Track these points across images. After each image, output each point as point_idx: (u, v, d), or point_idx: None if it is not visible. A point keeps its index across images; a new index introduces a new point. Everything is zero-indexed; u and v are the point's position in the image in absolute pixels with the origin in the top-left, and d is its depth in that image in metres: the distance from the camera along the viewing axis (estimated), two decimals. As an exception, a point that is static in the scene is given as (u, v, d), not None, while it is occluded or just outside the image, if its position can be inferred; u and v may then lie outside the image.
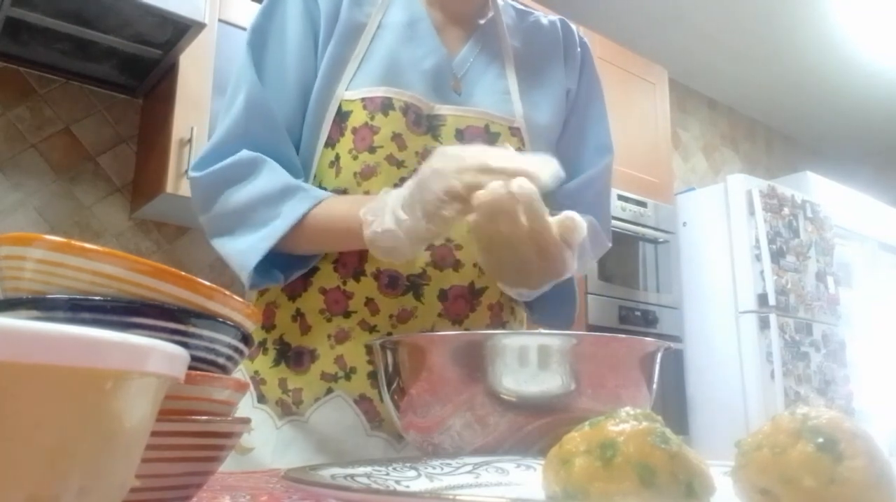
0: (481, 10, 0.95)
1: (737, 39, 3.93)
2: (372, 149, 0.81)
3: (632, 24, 3.70)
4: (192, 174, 0.82)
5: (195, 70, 2.13)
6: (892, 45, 3.97)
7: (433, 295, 0.81)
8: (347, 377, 0.81)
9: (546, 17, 1.00)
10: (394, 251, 0.69)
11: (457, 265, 0.82)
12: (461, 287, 0.82)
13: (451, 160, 0.66)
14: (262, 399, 0.84)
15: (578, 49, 0.99)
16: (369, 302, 0.81)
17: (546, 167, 0.65)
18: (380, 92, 0.82)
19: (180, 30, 1.97)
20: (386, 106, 0.82)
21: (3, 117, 2.14)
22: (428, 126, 0.84)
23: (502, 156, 0.66)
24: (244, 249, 0.78)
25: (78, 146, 2.26)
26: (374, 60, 0.85)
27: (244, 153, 0.80)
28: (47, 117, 2.22)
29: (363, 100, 0.82)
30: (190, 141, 2.04)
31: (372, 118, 0.81)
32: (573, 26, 1.02)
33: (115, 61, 2.15)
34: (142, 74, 2.21)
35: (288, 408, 0.82)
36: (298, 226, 0.76)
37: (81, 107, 2.28)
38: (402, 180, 0.81)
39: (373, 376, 0.81)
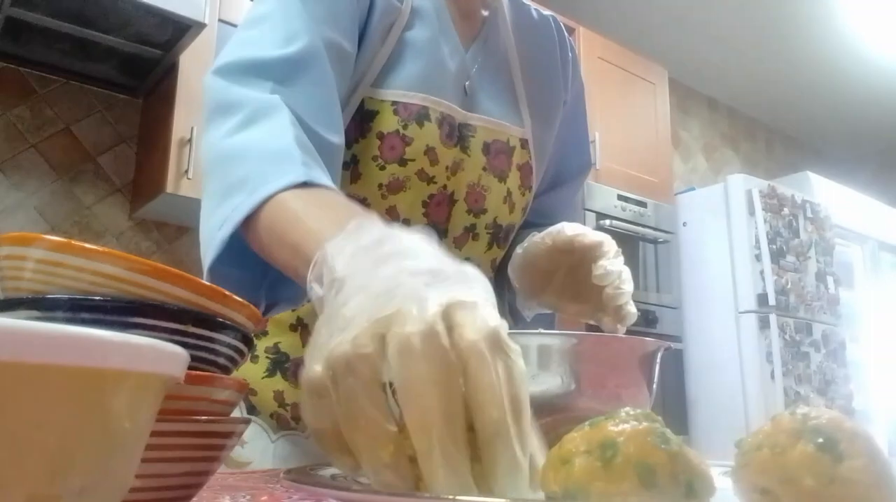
0: (485, 1, 0.87)
1: (737, 39, 3.93)
2: (402, 162, 0.73)
3: (632, 24, 3.70)
4: (211, 76, 0.68)
5: (195, 70, 2.13)
6: (892, 46, 3.96)
7: None
8: None
9: (536, 10, 0.94)
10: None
11: None
12: None
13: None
14: (252, 410, 0.77)
15: (570, 53, 0.94)
16: None
17: None
18: (416, 99, 0.74)
19: (180, 30, 1.97)
20: (422, 116, 0.74)
21: (3, 117, 2.14)
22: (458, 137, 0.78)
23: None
24: (207, 232, 0.61)
25: (78, 146, 2.26)
26: (407, 56, 0.75)
27: (269, 96, 0.64)
28: (47, 117, 2.22)
29: (394, 104, 0.74)
30: (190, 141, 2.04)
31: (405, 127, 0.73)
32: (562, 24, 0.96)
33: (115, 61, 2.15)
34: (142, 74, 2.21)
35: (285, 423, 0.77)
36: (266, 212, 0.56)
37: (81, 107, 2.28)
38: (431, 197, 0.76)
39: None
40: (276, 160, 0.59)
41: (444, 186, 0.77)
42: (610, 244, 0.69)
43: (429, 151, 0.75)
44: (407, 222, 0.75)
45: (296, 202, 0.56)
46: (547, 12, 0.95)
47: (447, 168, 0.77)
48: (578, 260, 0.73)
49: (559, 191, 0.94)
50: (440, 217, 0.77)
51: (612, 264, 0.67)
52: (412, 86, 0.75)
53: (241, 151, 0.61)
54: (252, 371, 0.77)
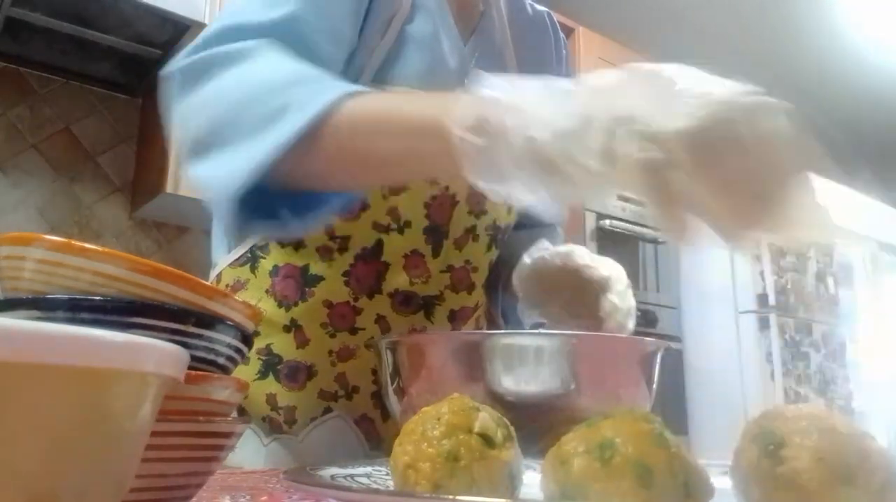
0: None
1: (736, 40, 3.93)
2: None
3: (632, 24, 3.70)
4: (175, 65, 0.62)
5: (195, 70, 2.12)
6: (892, 46, 3.96)
7: (443, 315, 0.79)
8: (349, 396, 0.76)
9: (529, 4, 0.91)
10: (544, 169, 0.43)
11: (471, 288, 0.80)
12: (470, 308, 0.81)
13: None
14: (242, 413, 0.74)
15: (564, 51, 0.94)
16: (380, 319, 0.76)
17: None
18: None
19: (180, 30, 1.97)
20: None
21: (3, 117, 2.14)
22: None
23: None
24: (226, 172, 0.54)
25: (78, 146, 2.26)
26: (408, 52, 0.74)
27: (258, 41, 0.59)
28: (47, 117, 2.22)
29: None
30: (190, 141, 2.04)
31: None
32: (556, 19, 0.94)
33: (115, 61, 2.15)
34: (142, 74, 2.21)
35: (277, 427, 0.75)
36: (325, 125, 0.52)
37: (81, 107, 2.28)
38: (434, 198, 0.74)
39: (376, 396, 0.76)
40: (308, 80, 0.54)
41: (447, 188, 0.75)
42: (619, 278, 0.69)
43: None
44: (408, 224, 0.75)
45: (375, 99, 0.53)
46: (541, 8, 0.93)
47: None
48: (586, 284, 0.72)
49: None
50: (442, 218, 0.76)
51: (622, 300, 0.67)
52: (413, 83, 0.72)
53: (255, 85, 0.56)
54: (243, 373, 0.74)
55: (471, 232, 0.79)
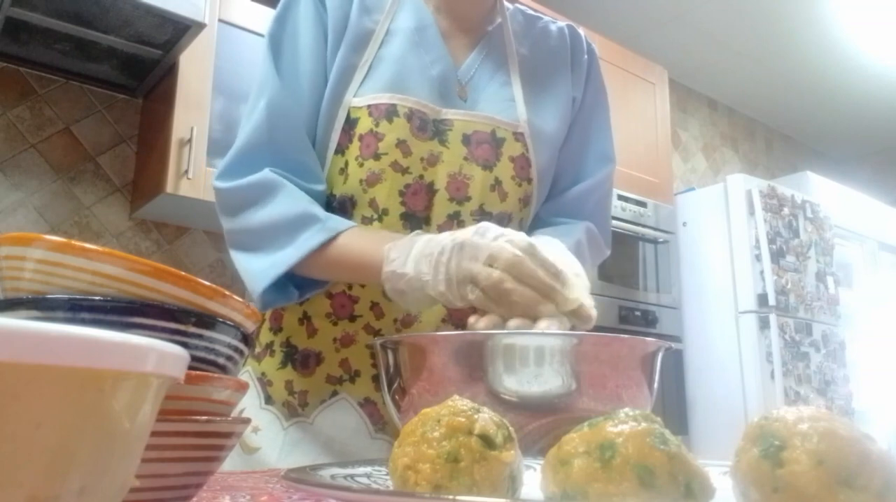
0: (489, 16, 0.95)
1: (737, 39, 3.93)
2: (377, 156, 0.82)
3: (632, 24, 3.70)
4: (216, 184, 0.83)
5: (195, 70, 2.12)
6: (892, 46, 3.96)
7: None
8: (352, 380, 0.83)
9: (555, 23, 1.00)
10: (403, 295, 0.70)
11: None
12: None
13: (501, 250, 0.64)
14: (269, 400, 0.85)
15: (585, 56, 0.99)
16: (374, 306, 0.82)
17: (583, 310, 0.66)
18: (385, 99, 0.83)
19: (180, 30, 1.97)
20: (390, 112, 0.82)
21: (3, 117, 2.14)
22: (434, 131, 0.84)
23: (555, 271, 0.65)
24: (256, 272, 0.78)
25: (78, 146, 2.26)
26: (381, 67, 0.85)
27: (266, 174, 0.80)
28: (47, 117, 2.22)
29: (369, 107, 0.83)
30: (190, 141, 2.04)
31: (377, 125, 0.82)
32: (581, 33, 1.01)
33: (115, 61, 2.15)
34: (142, 74, 2.21)
35: (294, 410, 0.84)
36: (312, 256, 0.76)
37: (81, 107, 2.28)
38: (407, 187, 0.82)
39: (377, 379, 0.82)
40: (306, 223, 0.77)
41: (421, 176, 0.83)
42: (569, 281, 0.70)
43: (400, 144, 0.82)
44: (385, 212, 0.82)
45: (348, 236, 0.78)
46: (563, 24, 1.00)
47: (422, 159, 0.83)
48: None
49: (580, 186, 0.96)
50: (418, 206, 0.83)
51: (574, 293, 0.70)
52: (382, 88, 0.84)
53: (273, 222, 0.78)
54: (270, 363, 0.86)
55: (454, 217, 0.84)
